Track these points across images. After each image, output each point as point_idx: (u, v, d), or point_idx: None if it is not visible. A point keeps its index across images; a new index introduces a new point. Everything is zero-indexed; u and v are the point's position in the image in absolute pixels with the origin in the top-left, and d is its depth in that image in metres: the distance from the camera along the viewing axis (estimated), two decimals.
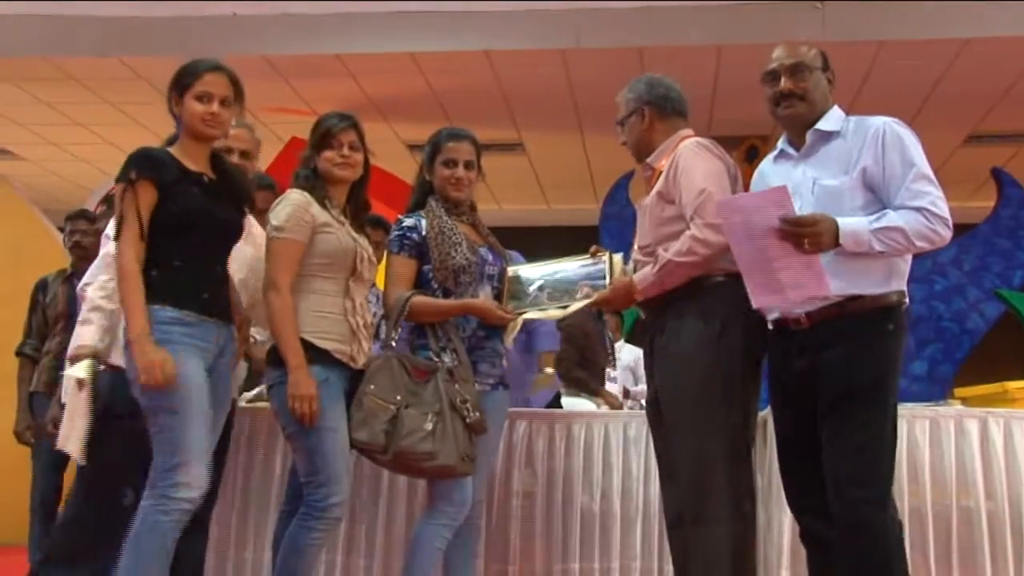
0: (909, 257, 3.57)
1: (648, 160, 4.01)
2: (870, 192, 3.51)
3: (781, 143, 3.80)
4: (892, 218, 3.42)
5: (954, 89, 8.54)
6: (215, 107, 3.65)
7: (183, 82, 3.70)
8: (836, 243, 3.38)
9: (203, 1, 7.88)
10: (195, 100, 3.67)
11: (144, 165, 3.52)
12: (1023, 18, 7.41)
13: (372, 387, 3.83)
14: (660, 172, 3.90)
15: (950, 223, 3.44)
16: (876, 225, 3.41)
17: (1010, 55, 7.98)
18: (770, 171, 3.80)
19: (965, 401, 5.06)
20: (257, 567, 4.63)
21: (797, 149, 3.70)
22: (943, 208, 3.44)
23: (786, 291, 3.43)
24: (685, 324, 3.75)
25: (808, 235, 3.34)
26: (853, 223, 3.41)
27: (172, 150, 3.67)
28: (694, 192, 3.72)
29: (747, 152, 7.98)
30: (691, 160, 3.81)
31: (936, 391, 7.65)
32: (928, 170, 3.49)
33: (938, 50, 7.87)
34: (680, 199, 3.77)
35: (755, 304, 3.53)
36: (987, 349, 9.53)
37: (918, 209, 3.41)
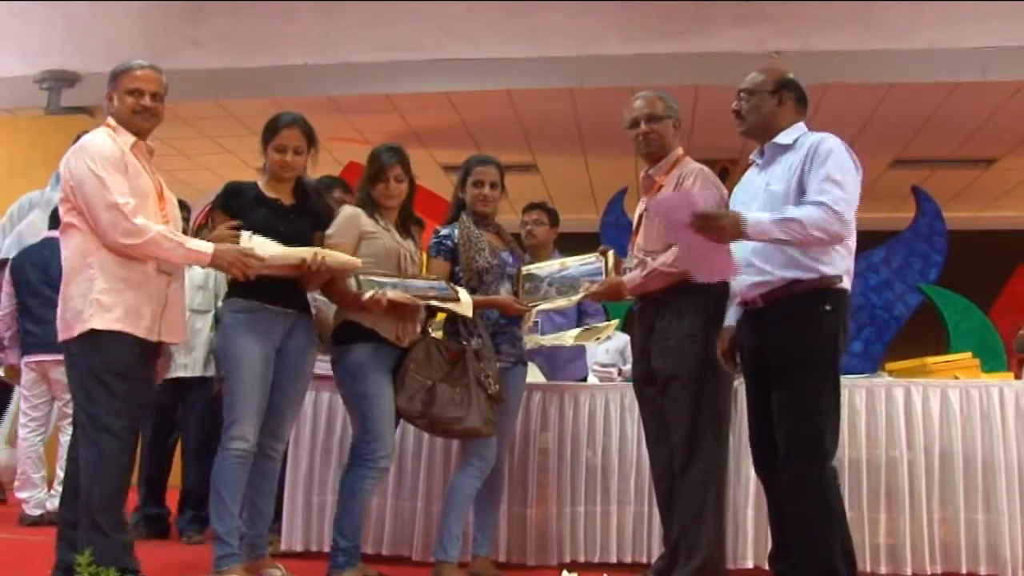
0: (846, 249, 3.39)
1: (651, 171, 3.90)
2: (804, 195, 3.34)
3: (753, 154, 3.68)
4: (793, 211, 3.27)
5: (882, 123, 8.51)
6: (289, 157, 3.81)
7: (267, 136, 3.85)
8: (741, 234, 3.25)
9: (280, 52, 7.96)
10: (274, 151, 3.82)
11: (222, 197, 3.78)
12: (937, 67, 7.47)
13: (413, 365, 3.86)
14: (660, 186, 3.81)
15: (845, 219, 3.24)
16: (777, 216, 3.25)
17: (926, 97, 8.02)
18: (746, 177, 3.69)
19: (893, 373, 5.02)
20: (324, 508, 4.59)
21: (762, 158, 3.60)
22: (842, 207, 3.23)
23: (717, 272, 3.39)
24: (682, 314, 3.70)
25: (711, 227, 3.22)
26: (758, 216, 3.29)
27: (259, 180, 3.86)
28: None
29: (720, 172, 7.95)
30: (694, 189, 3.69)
31: (870, 366, 7.62)
32: (839, 175, 3.29)
33: (870, 92, 7.86)
34: None
35: (699, 280, 3.49)
36: (910, 331, 9.51)
37: (818, 204, 3.23)
